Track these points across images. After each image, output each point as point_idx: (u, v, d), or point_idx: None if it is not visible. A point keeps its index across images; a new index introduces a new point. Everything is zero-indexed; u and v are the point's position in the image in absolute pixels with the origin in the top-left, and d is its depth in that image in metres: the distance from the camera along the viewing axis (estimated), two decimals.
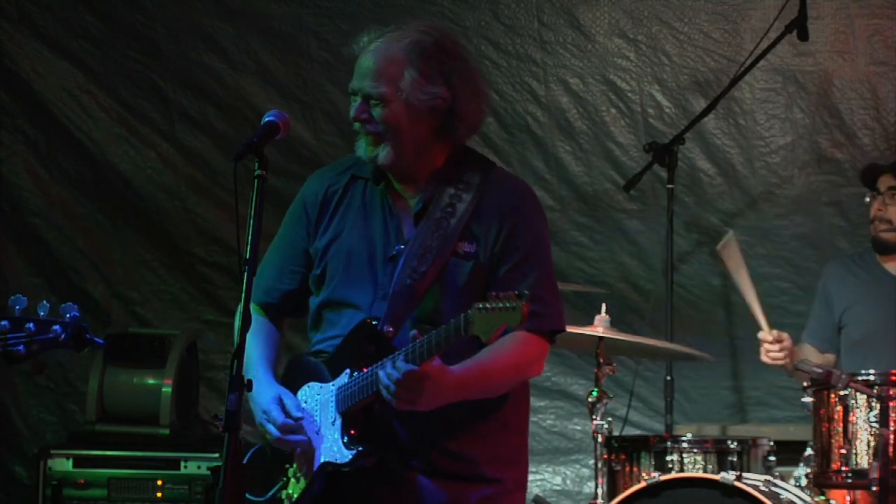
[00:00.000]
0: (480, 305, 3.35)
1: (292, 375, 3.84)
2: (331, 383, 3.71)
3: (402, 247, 3.71)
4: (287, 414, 3.70)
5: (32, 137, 7.04)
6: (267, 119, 3.57)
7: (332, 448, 3.65)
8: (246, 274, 3.38)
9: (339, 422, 3.65)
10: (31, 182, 7.05)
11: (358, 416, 3.62)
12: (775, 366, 5.84)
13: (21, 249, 7.07)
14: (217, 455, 6.10)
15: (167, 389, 6.30)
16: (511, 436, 3.79)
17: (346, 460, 3.62)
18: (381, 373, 3.52)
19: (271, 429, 3.70)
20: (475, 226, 3.70)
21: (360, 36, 3.80)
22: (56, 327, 3.50)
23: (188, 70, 7.02)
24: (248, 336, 3.85)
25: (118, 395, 6.36)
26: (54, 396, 7.03)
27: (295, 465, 3.79)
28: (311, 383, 3.77)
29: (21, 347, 3.47)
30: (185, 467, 6.20)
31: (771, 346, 5.80)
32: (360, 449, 3.61)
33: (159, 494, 6.19)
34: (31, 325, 3.49)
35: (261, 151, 3.49)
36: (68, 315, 3.51)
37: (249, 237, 3.40)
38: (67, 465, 6.20)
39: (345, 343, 3.71)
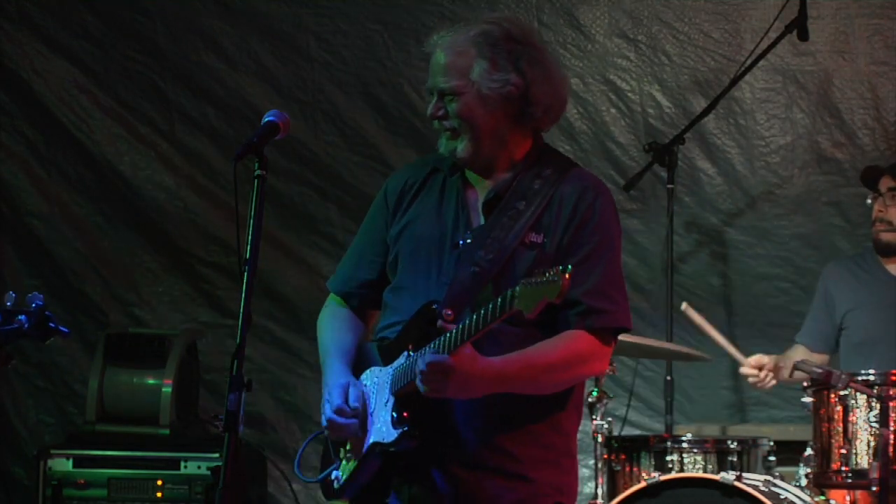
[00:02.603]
0: (526, 280, 3.35)
1: (356, 362, 3.84)
2: (389, 366, 3.71)
3: (470, 235, 3.70)
4: (345, 400, 3.70)
5: (32, 138, 7.04)
6: (267, 119, 3.57)
7: (382, 428, 3.65)
8: (246, 274, 3.38)
9: (391, 402, 3.65)
10: (29, 182, 7.05)
11: (410, 399, 3.60)
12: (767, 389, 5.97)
13: (19, 250, 7.06)
14: (217, 455, 6.10)
15: (167, 389, 6.30)
16: (560, 438, 3.75)
17: (392, 439, 3.61)
18: (419, 360, 3.54)
19: (327, 409, 3.70)
20: (546, 217, 3.68)
21: (431, 36, 3.78)
22: (21, 317, 3.47)
23: (188, 70, 7.02)
24: (323, 325, 3.92)
25: (118, 395, 6.36)
26: (52, 398, 7.03)
27: (346, 448, 3.79)
28: (372, 367, 3.78)
29: None
30: (185, 467, 6.20)
31: (756, 376, 5.90)
32: (406, 429, 3.59)
33: (159, 494, 6.19)
34: None
35: (261, 151, 3.48)
36: (33, 304, 3.48)
37: (249, 237, 3.39)
38: (67, 466, 6.20)
39: (407, 326, 3.70)
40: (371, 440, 3.68)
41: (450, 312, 3.59)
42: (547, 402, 3.69)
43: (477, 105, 3.69)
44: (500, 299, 3.40)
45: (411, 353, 3.62)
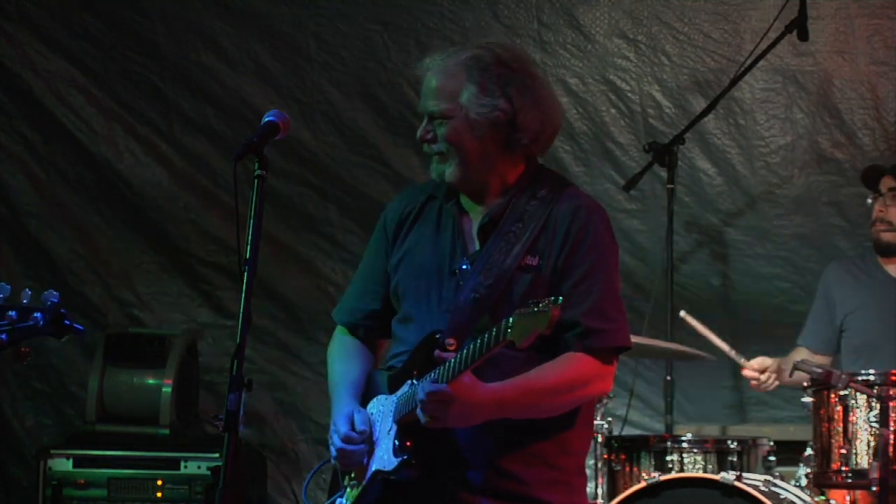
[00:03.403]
0: (520, 310, 3.36)
1: (365, 391, 3.86)
2: (394, 395, 3.71)
3: (468, 261, 3.70)
4: (352, 427, 3.70)
5: (30, 138, 7.04)
6: (267, 119, 3.57)
7: (384, 457, 3.66)
8: (246, 274, 3.37)
9: (393, 430, 3.65)
10: (27, 182, 7.04)
11: (412, 427, 3.60)
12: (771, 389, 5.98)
13: (17, 251, 7.06)
14: (217, 455, 6.10)
15: (167, 389, 6.31)
16: (569, 459, 3.74)
17: (392, 467, 3.62)
18: (419, 390, 3.54)
19: (335, 439, 3.71)
20: (542, 239, 3.68)
21: (425, 58, 3.80)
22: (37, 314, 3.51)
23: (187, 70, 7.01)
24: (332, 358, 3.94)
25: (118, 395, 6.36)
26: (50, 400, 7.02)
27: (351, 475, 3.80)
28: (378, 396, 3.78)
29: (3, 336, 3.50)
30: (185, 467, 6.20)
31: (758, 379, 5.90)
32: (406, 457, 3.60)
33: (159, 494, 6.19)
34: (13, 312, 3.51)
35: (261, 151, 3.48)
36: (48, 302, 3.52)
37: (249, 237, 3.39)
38: (67, 466, 6.21)
39: (412, 355, 3.71)
40: (373, 468, 3.69)
41: (452, 342, 3.59)
42: (554, 423, 3.68)
43: (465, 129, 3.69)
44: (494, 330, 3.41)
45: (415, 382, 3.63)
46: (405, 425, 3.62)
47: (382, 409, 3.74)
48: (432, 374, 3.55)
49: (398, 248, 3.85)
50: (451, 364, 3.50)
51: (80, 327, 3.58)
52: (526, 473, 3.66)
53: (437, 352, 3.59)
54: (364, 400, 3.81)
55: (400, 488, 3.66)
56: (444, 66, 3.72)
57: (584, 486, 3.80)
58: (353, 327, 3.96)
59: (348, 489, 3.79)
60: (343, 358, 3.93)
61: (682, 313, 6.05)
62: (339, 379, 3.87)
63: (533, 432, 3.66)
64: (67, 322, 3.54)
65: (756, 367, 5.96)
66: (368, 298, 3.92)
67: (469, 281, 3.66)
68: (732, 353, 6.01)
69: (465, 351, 3.48)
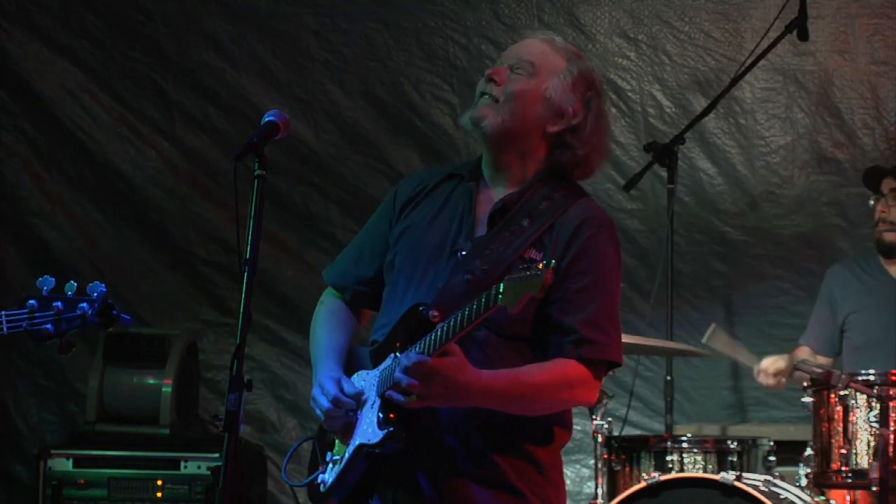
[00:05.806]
0: (510, 276, 3.34)
1: (348, 366, 3.82)
2: (377, 369, 3.69)
3: (469, 245, 3.69)
4: (340, 390, 3.68)
5: (32, 137, 7.04)
6: (267, 119, 3.57)
7: (367, 430, 3.63)
8: (246, 274, 3.38)
9: (377, 404, 3.62)
10: (30, 182, 7.05)
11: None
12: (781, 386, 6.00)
13: (20, 249, 7.06)
14: (217, 455, 6.10)
15: (167, 389, 6.30)
16: (547, 452, 3.73)
17: (377, 440, 3.59)
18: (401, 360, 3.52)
19: (323, 401, 3.68)
20: (547, 238, 3.66)
21: (531, 31, 3.85)
22: (83, 304, 3.55)
23: (189, 69, 7.02)
24: (317, 325, 3.90)
25: (118, 395, 6.36)
26: (54, 397, 7.03)
27: (332, 452, 3.78)
28: (360, 371, 3.76)
29: (49, 326, 3.55)
30: (185, 467, 6.20)
31: (768, 380, 5.92)
32: (391, 430, 3.57)
33: (159, 494, 6.19)
34: (58, 303, 3.55)
35: (261, 151, 3.48)
36: (95, 293, 3.55)
37: (249, 237, 3.40)
38: (67, 465, 6.20)
39: (395, 328, 3.68)
40: (357, 442, 3.66)
41: (436, 314, 3.56)
42: (534, 416, 3.67)
43: (536, 99, 3.69)
44: (483, 297, 3.38)
45: (397, 355, 3.61)
46: (389, 398, 3.60)
47: (364, 383, 3.72)
48: (417, 346, 3.52)
49: (403, 220, 3.82)
50: (437, 334, 3.47)
51: (128, 317, 3.61)
52: (504, 461, 3.65)
53: (421, 308, 3.58)
54: (347, 374, 3.78)
55: (383, 462, 3.65)
56: (553, 45, 3.76)
57: (562, 480, 3.79)
58: (341, 289, 3.94)
59: (330, 465, 3.78)
60: (329, 326, 3.89)
61: (709, 334, 5.96)
62: (325, 344, 3.84)
63: (512, 421, 3.64)
64: (116, 312, 3.58)
65: (771, 372, 5.96)
66: (363, 265, 3.89)
67: (466, 263, 3.65)
68: (755, 367, 6.04)
69: (451, 321, 3.45)
